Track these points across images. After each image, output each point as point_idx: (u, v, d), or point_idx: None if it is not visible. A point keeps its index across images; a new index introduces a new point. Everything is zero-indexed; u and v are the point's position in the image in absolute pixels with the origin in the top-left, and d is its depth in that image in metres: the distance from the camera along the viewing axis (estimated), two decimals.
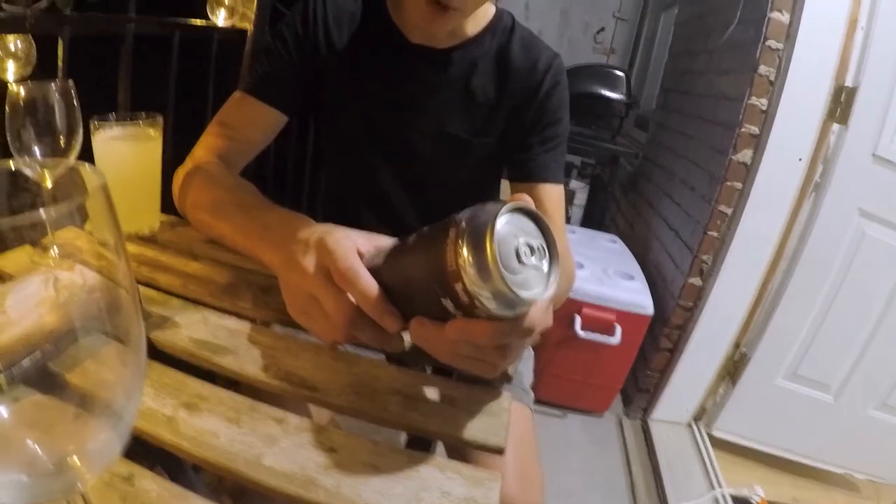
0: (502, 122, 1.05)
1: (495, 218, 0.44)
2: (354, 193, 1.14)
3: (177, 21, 1.52)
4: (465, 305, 0.46)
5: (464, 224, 0.45)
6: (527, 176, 1.04)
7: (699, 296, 2.17)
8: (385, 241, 0.57)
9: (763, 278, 2.12)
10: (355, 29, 1.02)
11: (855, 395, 2.16)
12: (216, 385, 0.57)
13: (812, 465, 2.25)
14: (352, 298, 0.54)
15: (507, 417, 0.57)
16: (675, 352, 2.27)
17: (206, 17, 1.65)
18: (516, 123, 1.04)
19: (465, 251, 0.44)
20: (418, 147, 1.06)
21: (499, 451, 0.54)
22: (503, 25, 1.05)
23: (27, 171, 0.74)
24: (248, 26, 1.70)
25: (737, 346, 2.23)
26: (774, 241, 2.07)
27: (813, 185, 2.01)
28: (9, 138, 0.78)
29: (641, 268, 2.48)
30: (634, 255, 2.62)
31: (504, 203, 0.45)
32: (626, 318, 2.18)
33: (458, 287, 0.45)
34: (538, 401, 2.26)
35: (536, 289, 0.46)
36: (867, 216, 1.98)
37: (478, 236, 0.43)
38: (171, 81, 1.50)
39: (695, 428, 2.35)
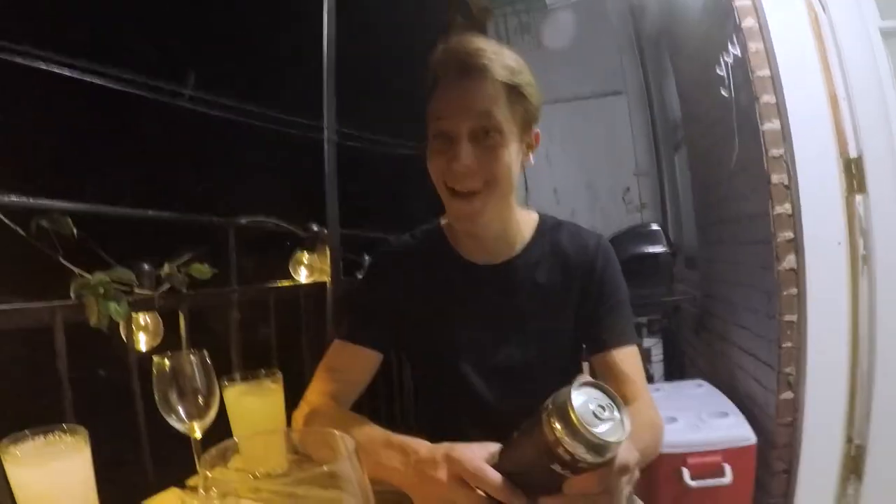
0: (573, 304, 1.31)
1: (570, 395, 0.68)
2: (456, 414, 1.35)
3: (270, 286, 1.97)
4: (569, 463, 0.68)
5: (550, 407, 0.69)
6: (602, 345, 1.26)
7: (795, 408, 2.32)
8: (494, 446, 0.82)
9: (850, 366, 2.26)
10: (426, 269, 1.34)
11: None
12: None
13: None
14: (481, 493, 0.77)
15: None
16: (790, 471, 2.35)
17: (291, 277, 2.09)
18: (583, 302, 1.30)
19: (557, 424, 0.67)
20: (506, 351, 1.30)
21: None
22: (549, 225, 1.36)
23: (178, 426, 1.01)
24: (327, 279, 2.16)
25: (850, 440, 2.30)
26: (846, 327, 2.24)
27: (861, 259, 2.24)
28: (157, 400, 1.07)
29: (734, 401, 2.67)
30: (724, 391, 2.81)
31: (572, 383, 0.70)
32: (732, 454, 2.31)
33: (560, 451, 0.67)
34: None
35: (617, 432, 0.68)
36: None
37: (563, 411, 0.67)
38: (272, 335, 1.87)
39: None
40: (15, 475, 0.80)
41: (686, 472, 2.29)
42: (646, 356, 4.02)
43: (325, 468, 0.46)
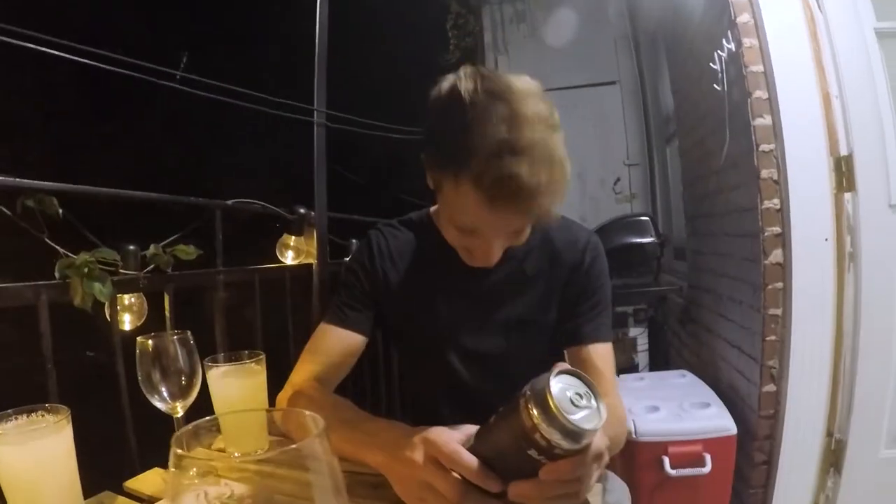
0: (557, 297, 1.32)
1: (548, 382, 0.68)
2: (436, 396, 1.39)
3: (256, 267, 1.99)
4: (545, 448, 0.68)
5: (528, 393, 0.69)
6: (578, 340, 1.28)
7: (777, 401, 2.35)
8: (471, 429, 0.82)
9: (832, 361, 2.30)
10: (415, 256, 1.35)
11: None
12: None
13: None
14: (457, 476, 0.76)
15: None
16: (770, 462, 2.39)
17: (278, 260, 2.10)
18: (568, 295, 1.32)
19: (535, 410, 0.67)
20: (490, 339, 1.32)
21: None
22: None
23: (161, 406, 1.01)
24: (313, 261, 2.17)
25: (830, 434, 2.34)
26: (830, 323, 2.27)
27: (847, 256, 2.27)
28: (140, 380, 1.07)
29: (716, 392, 2.70)
30: (707, 382, 2.85)
31: (550, 371, 0.70)
32: (712, 444, 2.34)
33: (537, 436, 0.67)
34: None
35: (594, 420, 0.69)
36: None
37: (541, 397, 0.67)
38: (257, 317, 1.88)
39: None
40: None
41: (666, 461, 2.32)
42: (631, 345, 4.05)
43: (293, 447, 0.45)
